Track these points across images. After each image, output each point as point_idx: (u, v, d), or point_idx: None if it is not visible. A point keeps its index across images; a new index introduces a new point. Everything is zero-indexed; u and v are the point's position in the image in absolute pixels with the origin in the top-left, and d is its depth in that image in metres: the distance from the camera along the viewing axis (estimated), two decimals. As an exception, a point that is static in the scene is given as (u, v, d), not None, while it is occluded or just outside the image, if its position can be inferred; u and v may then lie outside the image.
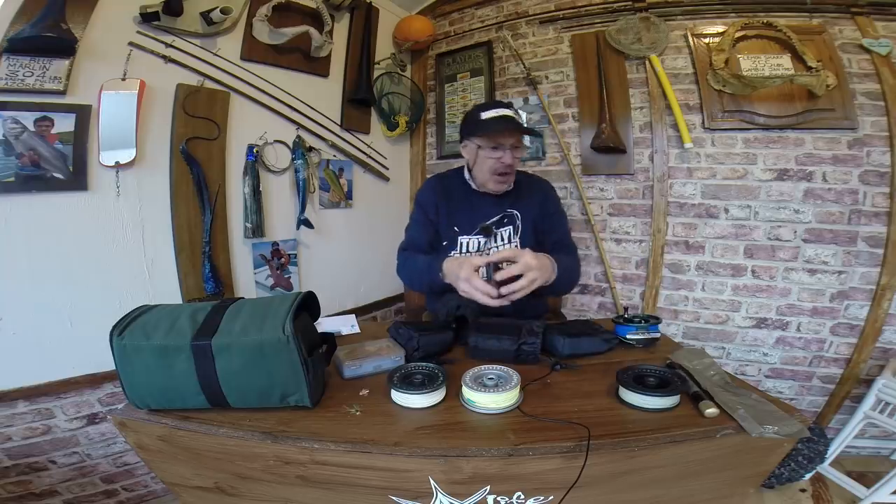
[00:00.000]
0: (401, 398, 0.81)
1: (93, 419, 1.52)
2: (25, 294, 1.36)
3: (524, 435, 0.71)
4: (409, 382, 0.83)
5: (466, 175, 1.45)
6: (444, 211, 1.44)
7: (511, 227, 1.41)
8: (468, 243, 1.40)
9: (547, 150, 2.31)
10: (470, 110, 1.41)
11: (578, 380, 0.92)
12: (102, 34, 1.44)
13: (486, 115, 1.30)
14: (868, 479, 1.70)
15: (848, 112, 1.79)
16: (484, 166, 1.35)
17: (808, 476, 1.68)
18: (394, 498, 0.74)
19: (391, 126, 2.45)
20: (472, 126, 1.34)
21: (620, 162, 2.13)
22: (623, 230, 2.18)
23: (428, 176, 2.69)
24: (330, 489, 0.76)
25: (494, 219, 1.40)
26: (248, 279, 1.89)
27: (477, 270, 1.11)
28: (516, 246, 1.39)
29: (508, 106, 1.33)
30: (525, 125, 1.36)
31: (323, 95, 2.14)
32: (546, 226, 1.44)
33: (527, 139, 2.23)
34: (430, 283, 1.28)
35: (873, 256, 1.81)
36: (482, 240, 1.39)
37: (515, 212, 1.42)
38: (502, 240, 1.41)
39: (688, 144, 1.99)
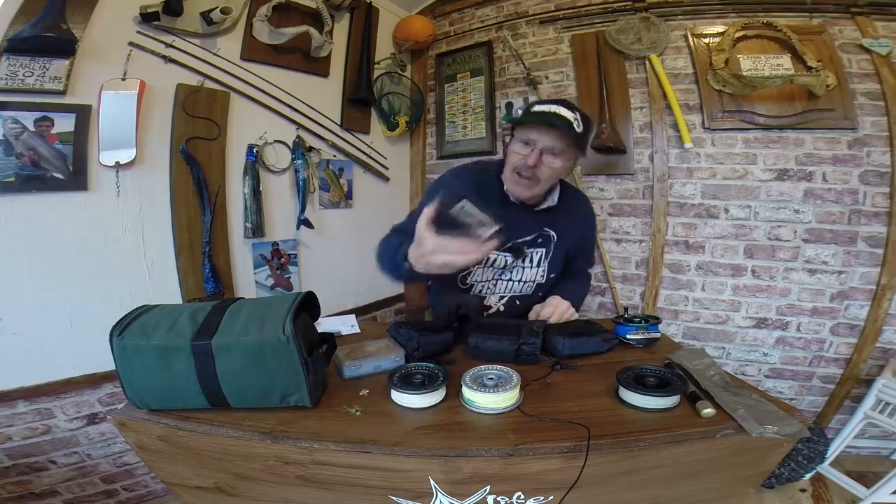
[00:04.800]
0: (401, 398, 0.81)
1: (93, 419, 1.52)
2: (25, 294, 1.36)
3: (524, 435, 0.71)
4: (409, 382, 0.83)
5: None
6: None
7: (544, 249, 1.26)
8: (494, 260, 1.24)
9: (547, 150, 2.31)
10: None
11: (578, 380, 0.91)
12: (102, 34, 1.44)
13: (539, 107, 1.13)
14: (868, 479, 1.70)
15: (848, 112, 1.79)
16: (510, 160, 1.17)
17: (808, 476, 1.68)
18: (394, 498, 0.74)
19: (391, 126, 2.45)
20: (521, 114, 1.21)
21: (620, 162, 2.13)
22: (623, 230, 2.18)
23: (428, 177, 2.69)
24: (330, 489, 0.76)
25: (528, 238, 1.23)
26: (248, 279, 1.89)
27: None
28: (543, 272, 1.27)
29: (573, 109, 1.10)
30: (579, 136, 1.09)
31: (323, 95, 2.14)
32: (580, 256, 1.36)
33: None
34: (391, 263, 1.09)
35: (873, 256, 1.81)
36: (510, 258, 1.23)
37: (552, 233, 1.25)
38: (531, 262, 1.26)
39: (688, 144, 1.99)
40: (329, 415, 0.79)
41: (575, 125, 1.07)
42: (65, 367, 1.44)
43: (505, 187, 1.22)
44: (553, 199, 1.22)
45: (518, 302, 1.30)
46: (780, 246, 1.92)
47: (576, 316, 1.23)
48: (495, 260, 1.23)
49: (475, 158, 2.39)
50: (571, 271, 1.36)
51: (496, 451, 0.68)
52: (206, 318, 0.79)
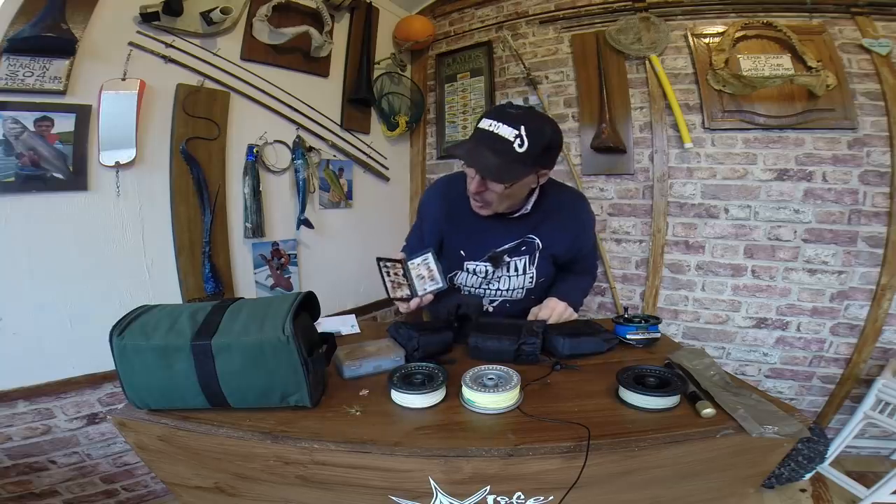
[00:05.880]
0: (401, 398, 0.81)
1: (93, 419, 1.52)
2: (25, 294, 1.36)
3: (524, 435, 0.71)
4: (409, 382, 0.83)
5: None
6: (447, 228, 1.22)
7: (527, 256, 1.19)
8: (475, 268, 1.22)
9: (547, 150, 2.31)
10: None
11: (578, 380, 0.91)
12: (102, 34, 1.44)
13: (483, 122, 1.00)
14: (868, 479, 1.70)
15: (848, 112, 1.79)
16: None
17: (808, 476, 1.68)
18: (394, 498, 0.74)
19: (391, 126, 2.45)
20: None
21: (620, 162, 2.13)
22: (623, 230, 2.18)
23: (428, 177, 2.69)
24: (330, 489, 0.76)
25: (507, 246, 1.18)
26: (248, 279, 1.89)
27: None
28: (531, 278, 1.22)
29: (519, 123, 0.95)
30: (522, 155, 0.96)
31: (323, 95, 2.14)
32: (578, 259, 1.28)
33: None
34: None
35: (873, 256, 1.81)
36: (490, 268, 1.20)
37: (536, 240, 1.18)
38: (515, 270, 1.21)
39: (688, 144, 1.99)
40: (329, 415, 0.79)
41: (516, 145, 0.95)
42: (65, 367, 1.44)
43: None
44: (527, 208, 1.14)
45: (508, 305, 1.28)
46: (780, 246, 1.92)
47: (575, 316, 1.21)
48: (475, 269, 1.22)
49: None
50: (573, 270, 1.32)
51: (496, 451, 0.68)
52: (206, 318, 0.79)
